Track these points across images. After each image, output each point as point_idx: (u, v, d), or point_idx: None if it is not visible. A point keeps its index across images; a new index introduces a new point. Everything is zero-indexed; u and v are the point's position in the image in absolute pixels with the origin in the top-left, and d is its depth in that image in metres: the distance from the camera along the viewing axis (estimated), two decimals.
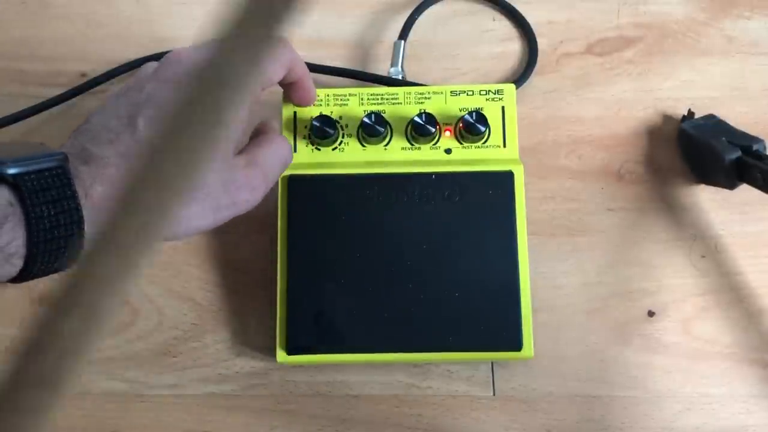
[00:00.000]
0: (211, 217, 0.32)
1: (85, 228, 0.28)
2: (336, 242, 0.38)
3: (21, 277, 0.27)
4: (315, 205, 0.39)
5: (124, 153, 0.30)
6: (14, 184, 0.26)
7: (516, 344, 0.37)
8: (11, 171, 0.26)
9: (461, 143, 0.40)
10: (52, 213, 0.26)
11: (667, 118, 0.45)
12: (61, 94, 0.45)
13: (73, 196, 0.27)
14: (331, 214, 0.39)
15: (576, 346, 0.41)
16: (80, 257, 0.13)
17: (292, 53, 0.36)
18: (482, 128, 0.39)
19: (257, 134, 0.36)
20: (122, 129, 0.30)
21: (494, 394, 0.40)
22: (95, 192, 0.28)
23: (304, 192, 0.38)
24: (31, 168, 0.27)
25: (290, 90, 0.38)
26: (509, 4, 0.47)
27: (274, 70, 0.34)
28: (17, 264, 0.26)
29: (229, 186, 0.32)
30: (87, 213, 0.28)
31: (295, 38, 0.46)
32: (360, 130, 0.40)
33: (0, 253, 0.26)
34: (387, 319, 0.38)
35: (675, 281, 0.41)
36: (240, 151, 0.34)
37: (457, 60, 0.47)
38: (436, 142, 0.40)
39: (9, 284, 0.27)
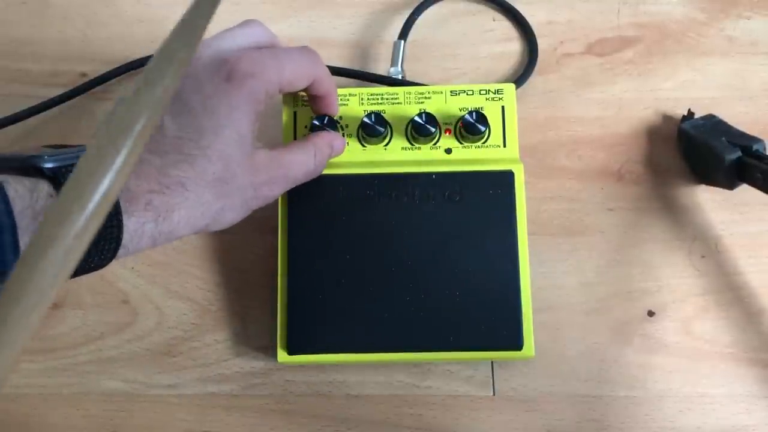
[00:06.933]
0: (241, 210, 0.34)
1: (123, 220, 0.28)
2: (336, 242, 0.38)
3: None
4: (315, 205, 0.39)
5: (154, 150, 0.30)
6: (53, 177, 0.26)
7: (516, 344, 0.37)
8: (48, 165, 0.27)
9: (461, 143, 0.40)
10: None
11: (667, 118, 0.45)
12: (61, 94, 0.45)
13: None
14: (331, 214, 0.39)
15: (576, 346, 0.41)
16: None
17: (320, 67, 0.36)
18: (482, 128, 0.39)
19: (301, 138, 0.39)
20: None
21: (494, 394, 0.40)
22: (131, 185, 0.29)
23: (305, 192, 0.38)
24: (67, 162, 0.27)
25: (313, 102, 0.39)
26: (509, 4, 0.47)
27: (296, 76, 0.35)
28: None
29: (253, 180, 0.33)
30: (123, 205, 0.28)
31: (295, 38, 0.47)
32: (360, 130, 0.40)
33: None
34: (387, 319, 0.38)
35: (675, 281, 0.41)
36: (268, 149, 0.35)
37: (457, 60, 0.47)
38: (436, 142, 0.40)
39: None
